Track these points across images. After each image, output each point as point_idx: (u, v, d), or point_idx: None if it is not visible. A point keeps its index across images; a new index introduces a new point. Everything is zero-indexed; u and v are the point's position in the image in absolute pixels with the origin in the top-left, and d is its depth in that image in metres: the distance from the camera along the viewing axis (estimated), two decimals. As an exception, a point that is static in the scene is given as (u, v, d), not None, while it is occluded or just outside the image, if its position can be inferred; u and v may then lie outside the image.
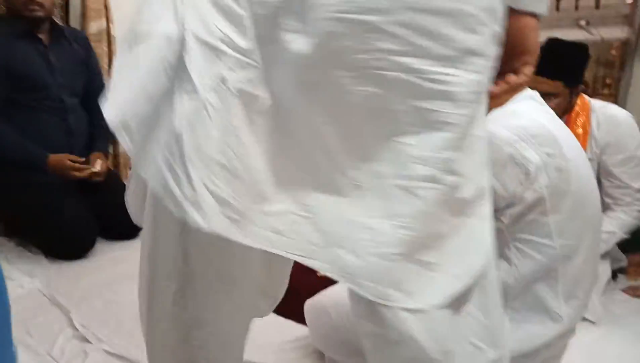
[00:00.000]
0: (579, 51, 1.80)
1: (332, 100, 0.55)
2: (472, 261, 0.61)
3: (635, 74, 2.27)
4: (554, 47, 1.79)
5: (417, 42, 0.52)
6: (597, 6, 2.21)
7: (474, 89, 0.56)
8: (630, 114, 1.80)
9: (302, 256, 0.56)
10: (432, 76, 0.54)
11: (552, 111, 1.10)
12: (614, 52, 2.14)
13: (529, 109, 1.04)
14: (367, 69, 0.53)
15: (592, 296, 1.62)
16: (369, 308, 0.59)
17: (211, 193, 0.53)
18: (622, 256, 2.01)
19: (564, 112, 1.79)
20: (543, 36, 1.92)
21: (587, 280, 1.07)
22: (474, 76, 0.56)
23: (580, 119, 1.79)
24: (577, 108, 1.79)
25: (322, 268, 0.56)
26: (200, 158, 0.53)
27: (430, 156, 0.56)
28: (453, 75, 0.54)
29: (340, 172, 0.57)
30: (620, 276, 2.00)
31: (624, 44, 2.16)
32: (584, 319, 1.58)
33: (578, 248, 1.02)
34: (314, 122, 0.56)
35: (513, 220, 1.00)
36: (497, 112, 0.77)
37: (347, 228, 0.57)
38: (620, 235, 1.76)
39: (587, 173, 1.06)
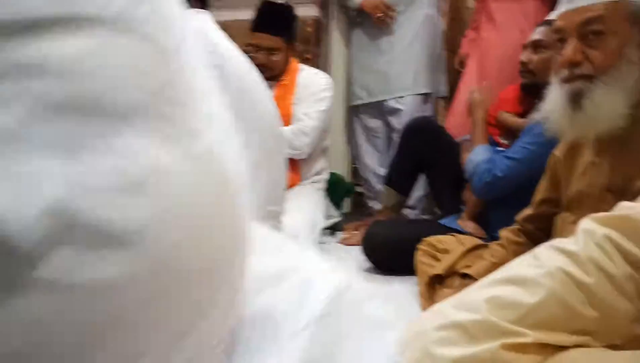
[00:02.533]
0: (289, 10, 2.00)
1: None
2: None
3: (332, 49, 2.57)
4: (268, 6, 1.97)
5: None
6: (290, -15, 2.42)
7: None
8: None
9: None
10: None
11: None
12: (309, 29, 2.37)
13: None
14: None
15: (307, 240, 1.76)
16: None
17: None
18: (336, 212, 2.24)
19: (284, 68, 1.99)
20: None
21: (260, 186, 1.03)
22: None
23: (291, 73, 2.03)
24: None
25: None
26: None
27: None
28: None
29: None
30: (338, 233, 2.20)
31: (316, 21, 2.41)
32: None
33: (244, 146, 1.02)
34: None
35: None
36: None
37: None
38: None
39: (251, 78, 1.06)
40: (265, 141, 1.05)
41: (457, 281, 1.28)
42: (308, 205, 1.90)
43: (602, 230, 0.56)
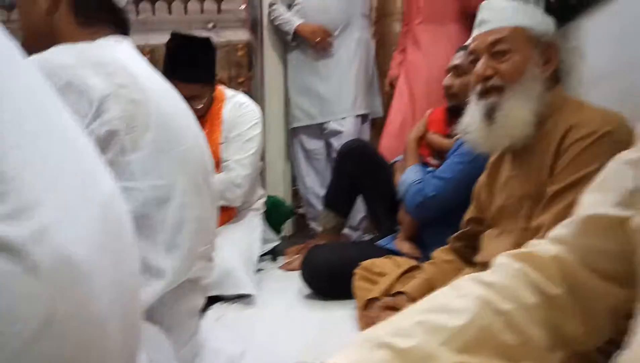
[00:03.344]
0: (205, 46, 1.88)
1: None
2: None
3: (266, 72, 2.57)
4: (180, 47, 1.84)
5: None
6: (219, 10, 2.40)
7: None
8: (254, 102, 2.03)
9: None
10: None
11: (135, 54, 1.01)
12: (240, 53, 2.36)
13: (106, 45, 0.95)
14: None
15: (243, 272, 1.72)
16: None
17: None
18: (275, 236, 2.22)
19: (208, 107, 1.90)
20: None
21: (190, 227, 0.97)
22: None
23: (216, 106, 1.94)
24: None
25: None
26: None
27: None
28: None
29: None
30: (280, 258, 2.18)
31: (248, 44, 2.41)
32: (241, 296, 1.67)
33: (172, 190, 0.94)
34: None
35: None
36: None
37: None
38: None
39: (174, 110, 1.00)
40: (193, 179, 1.00)
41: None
42: (242, 236, 1.85)
43: (515, 264, 0.61)
